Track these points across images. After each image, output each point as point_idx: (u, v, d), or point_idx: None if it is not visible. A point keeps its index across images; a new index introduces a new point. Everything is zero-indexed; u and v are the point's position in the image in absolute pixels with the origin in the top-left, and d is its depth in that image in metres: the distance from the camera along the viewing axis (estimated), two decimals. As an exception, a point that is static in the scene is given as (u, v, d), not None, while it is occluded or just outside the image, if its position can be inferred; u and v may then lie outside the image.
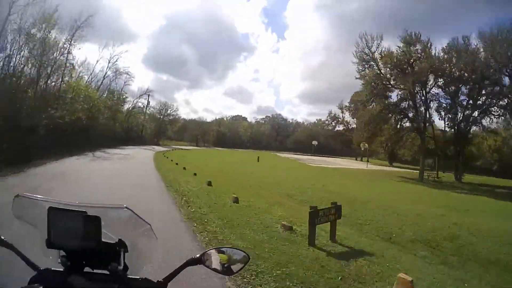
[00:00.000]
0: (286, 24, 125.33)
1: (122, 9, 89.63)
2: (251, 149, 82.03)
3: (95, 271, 1.19)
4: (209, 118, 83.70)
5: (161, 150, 41.23)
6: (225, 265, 1.31)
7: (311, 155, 69.86)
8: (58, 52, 27.27)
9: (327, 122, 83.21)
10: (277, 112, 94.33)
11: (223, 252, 1.33)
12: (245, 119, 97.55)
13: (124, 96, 47.28)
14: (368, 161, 51.02)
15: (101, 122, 35.78)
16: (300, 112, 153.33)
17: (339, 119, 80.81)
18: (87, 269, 1.19)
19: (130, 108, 51.02)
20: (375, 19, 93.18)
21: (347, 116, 77.24)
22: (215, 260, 1.31)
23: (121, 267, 1.19)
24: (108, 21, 62.73)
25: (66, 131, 24.51)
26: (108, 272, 1.17)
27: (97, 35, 47.28)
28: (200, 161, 30.53)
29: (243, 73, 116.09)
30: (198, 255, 1.31)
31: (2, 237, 1.25)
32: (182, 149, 51.22)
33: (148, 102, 55.48)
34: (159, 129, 61.07)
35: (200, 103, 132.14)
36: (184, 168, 19.11)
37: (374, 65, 35.45)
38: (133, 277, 1.21)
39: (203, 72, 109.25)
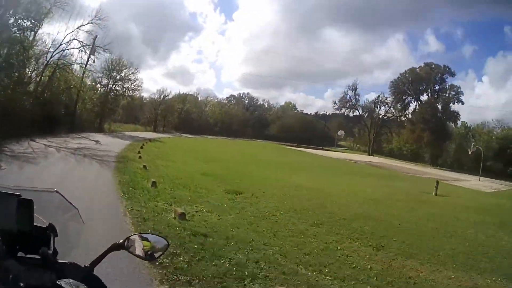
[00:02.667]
0: (237, 4, 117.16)
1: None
2: (222, 136, 62.29)
3: (27, 255, 1.17)
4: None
5: (118, 149, 18.99)
6: (148, 252, 1.33)
7: (325, 149, 55.93)
8: None
9: (336, 106, 69.03)
10: (216, 95, 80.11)
11: (146, 239, 1.35)
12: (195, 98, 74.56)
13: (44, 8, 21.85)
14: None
15: None
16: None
17: (351, 103, 65.47)
18: (20, 254, 1.17)
19: (48, 60, 25.53)
20: (328, 6, 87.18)
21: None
22: (139, 246, 1.32)
23: (51, 251, 1.17)
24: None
25: None
26: (39, 257, 1.14)
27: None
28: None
29: (187, 53, 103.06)
30: (121, 241, 1.30)
31: None
32: (157, 140, 28.66)
33: (94, 49, 28.39)
34: (105, 105, 35.54)
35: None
36: None
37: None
38: (62, 261, 1.19)
39: (146, 51, 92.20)
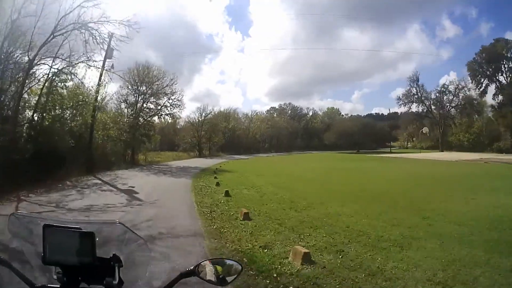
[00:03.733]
0: (251, 20, 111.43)
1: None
2: (272, 152, 54.26)
3: (91, 286, 1.15)
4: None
5: (183, 206, 8.26)
6: (220, 276, 1.26)
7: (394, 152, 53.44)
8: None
9: (400, 102, 60.56)
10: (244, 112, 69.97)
11: (217, 263, 1.30)
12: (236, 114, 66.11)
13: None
14: None
15: None
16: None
17: (418, 96, 57.92)
18: (83, 284, 1.15)
19: (32, 58, 14.96)
20: (341, 6, 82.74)
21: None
22: (210, 271, 1.27)
23: (116, 282, 1.14)
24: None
25: None
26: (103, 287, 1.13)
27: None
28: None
29: (209, 75, 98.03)
30: (192, 267, 1.26)
31: None
32: (221, 170, 17.29)
33: (111, 50, 17.60)
34: (136, 130, 25.07)
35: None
36: None
37: None
38: None
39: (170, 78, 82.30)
